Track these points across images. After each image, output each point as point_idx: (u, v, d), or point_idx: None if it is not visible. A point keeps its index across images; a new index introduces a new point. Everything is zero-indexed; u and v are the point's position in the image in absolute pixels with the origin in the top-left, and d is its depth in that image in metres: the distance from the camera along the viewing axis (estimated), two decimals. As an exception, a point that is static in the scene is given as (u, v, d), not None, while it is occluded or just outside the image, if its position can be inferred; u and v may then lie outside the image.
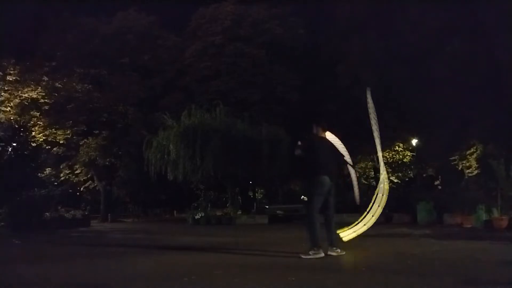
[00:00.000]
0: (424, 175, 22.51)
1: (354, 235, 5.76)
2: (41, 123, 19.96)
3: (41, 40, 20.94)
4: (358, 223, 5.94)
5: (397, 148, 22.18)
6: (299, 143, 5.54)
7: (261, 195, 29.47)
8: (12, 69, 17.89)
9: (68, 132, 20.97)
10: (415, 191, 18.16)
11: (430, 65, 16.83)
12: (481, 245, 6.65)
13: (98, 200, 25.81)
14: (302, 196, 26.14)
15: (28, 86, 18.51)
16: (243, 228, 12.88)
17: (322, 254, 5.03)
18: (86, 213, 18.58)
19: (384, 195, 5.96)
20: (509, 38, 14.57)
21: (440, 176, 21.45)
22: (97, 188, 25.15)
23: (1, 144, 16.98)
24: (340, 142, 5.99)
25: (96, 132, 21.81)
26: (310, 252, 4.99)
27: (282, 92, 22.10)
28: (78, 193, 27.15)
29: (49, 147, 21.16)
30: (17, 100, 18.37)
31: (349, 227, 5.86)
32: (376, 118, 6.25)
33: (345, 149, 6.03)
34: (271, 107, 21.69)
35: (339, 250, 5.23)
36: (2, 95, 18.00)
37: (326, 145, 5.64)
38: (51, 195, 15.89)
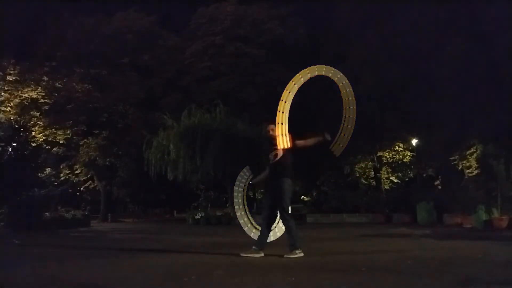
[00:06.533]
0: (424, 175, 22.47)
1: (342, 147, 5.88)
2: (41, 123, 19.99)
3: (41, 40, 20.95)
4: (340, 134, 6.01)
5: (397, 148, 22.15)
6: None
7: (261, 195, 29.41)
8: (12, 69, 17.92)
9: (68, 132, 21.01)
10: (415, 191, 18.13)
11: (430, 65, 16.83)
12: (481, 245, 6.64)
13: (98, 200, 25.84)
14: (302, 196, 26.19)
15: (28, 86, 18.54)
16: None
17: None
18: (86, 213, 18.58)
19: (353, 107, 6.08)
20: (508, 38, 14.58)
21: (440, 176, 21.44)
22: (97, 188, 25.18)
23: (1, 144, 17.01)
24: None
25: (96, 132, 21.81)
26: (297, 252, 5.14)
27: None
28: (78, 193, 27.17)
29: (49, 147, 21.19)
30: (17, 100, 18.41)
31: (335, 141, 5.91)
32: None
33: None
34: (271, 107, 21.64)
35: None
36: (2, 95, 18.03)
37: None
38: (51, 195, 15.89)
